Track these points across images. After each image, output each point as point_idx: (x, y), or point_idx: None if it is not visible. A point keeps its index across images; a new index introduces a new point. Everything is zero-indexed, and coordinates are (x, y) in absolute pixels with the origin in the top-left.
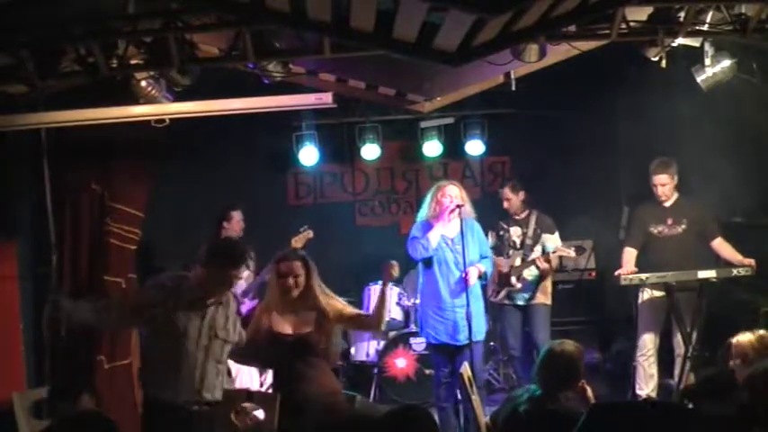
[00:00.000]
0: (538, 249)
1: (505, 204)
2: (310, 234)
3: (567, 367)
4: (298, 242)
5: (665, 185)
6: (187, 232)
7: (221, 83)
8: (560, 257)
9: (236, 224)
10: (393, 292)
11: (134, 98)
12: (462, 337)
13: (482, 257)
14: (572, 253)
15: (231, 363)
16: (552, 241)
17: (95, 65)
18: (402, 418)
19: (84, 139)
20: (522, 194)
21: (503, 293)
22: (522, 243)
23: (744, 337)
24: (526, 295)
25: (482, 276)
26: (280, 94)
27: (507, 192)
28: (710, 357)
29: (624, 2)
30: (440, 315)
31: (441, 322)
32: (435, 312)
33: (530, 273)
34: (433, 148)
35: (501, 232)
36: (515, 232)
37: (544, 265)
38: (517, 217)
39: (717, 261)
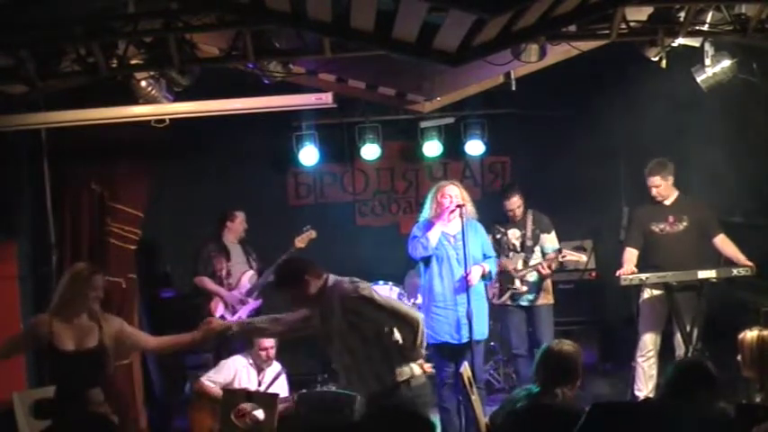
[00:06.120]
0: (537, 250)
1: (517, 212)
2: (313, 234)
3: (565, 365)
4: (301, 242)
5: (658, 187)
6: (187, 232)
7: (221, 83)
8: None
9: (239, 224)
10: (393, 292)
11: (134, 98)
12: (464, 335)
13: (486, 257)
14: (583, 257)
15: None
16: (550, 241)
17: (95, 65)
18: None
19: (84, 139)
20: (522, 197)
21: (506, 295)
22: (523, 245)
23: (749, 334)
24: (530, 297)
25: (486, 276)
26: (280, 94)
27: (518, 200)
28: (711, 357)
29: (624, 2)
30: (440, 313)
31: (441, 321)
32: (436, 311)
33: (531, 274)
34: (433, 148)
35: (498, 235)
36: (513, 234)
37: (547, 272)
38: (514, 219)
39: (718, 260)
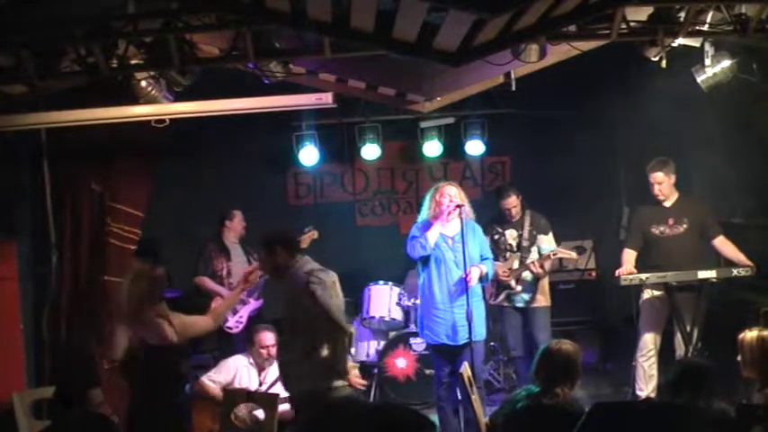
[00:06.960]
0: (534, 250)
1: (513, 212)
2: (315, 234)
3: (565, 364)
4: (303, 243)
5: (661, 183)
6: (187, 232)
7: (221, 83)
8: (559, 258)
9: (237, 223)
10: (393, 292)
11: (134, 98)
12: (461, 338)
13: (483, 258)
14: (574, 254)
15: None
16: (547, 242)
17: (95, 65)
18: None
19: (84, 139)
20: (520, 197)
21: (502, 296)
22: (519, 245)
23: (749, 334)
24: (526, 297)
25: (483, 278)
26: (280, 94)
27: (515, 199)
28: (711, 357)
29: (624, 2)
30: (438, 316)
31: (439, 323)
32: (433, 313)
33: (526, 274)
34: (432, 148)
35: (496, 236)
36: (511, 235)
37: (538, 271)
38: (512, 219)
39: (718, 260)
